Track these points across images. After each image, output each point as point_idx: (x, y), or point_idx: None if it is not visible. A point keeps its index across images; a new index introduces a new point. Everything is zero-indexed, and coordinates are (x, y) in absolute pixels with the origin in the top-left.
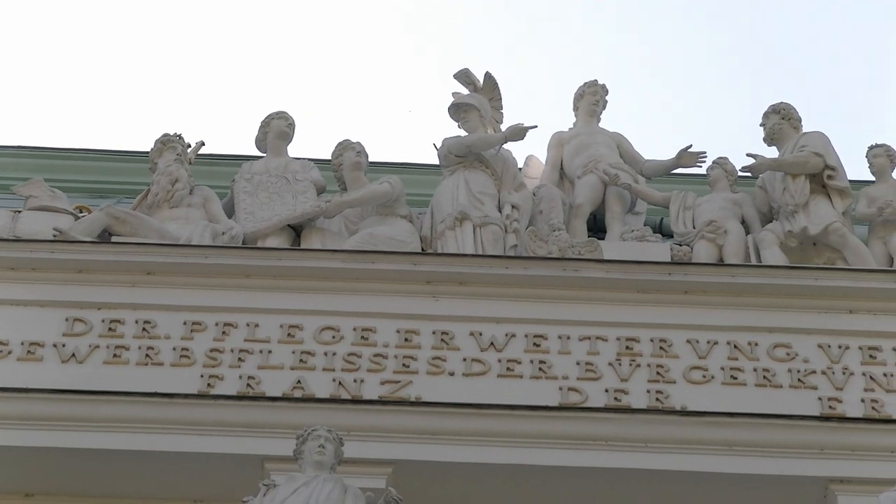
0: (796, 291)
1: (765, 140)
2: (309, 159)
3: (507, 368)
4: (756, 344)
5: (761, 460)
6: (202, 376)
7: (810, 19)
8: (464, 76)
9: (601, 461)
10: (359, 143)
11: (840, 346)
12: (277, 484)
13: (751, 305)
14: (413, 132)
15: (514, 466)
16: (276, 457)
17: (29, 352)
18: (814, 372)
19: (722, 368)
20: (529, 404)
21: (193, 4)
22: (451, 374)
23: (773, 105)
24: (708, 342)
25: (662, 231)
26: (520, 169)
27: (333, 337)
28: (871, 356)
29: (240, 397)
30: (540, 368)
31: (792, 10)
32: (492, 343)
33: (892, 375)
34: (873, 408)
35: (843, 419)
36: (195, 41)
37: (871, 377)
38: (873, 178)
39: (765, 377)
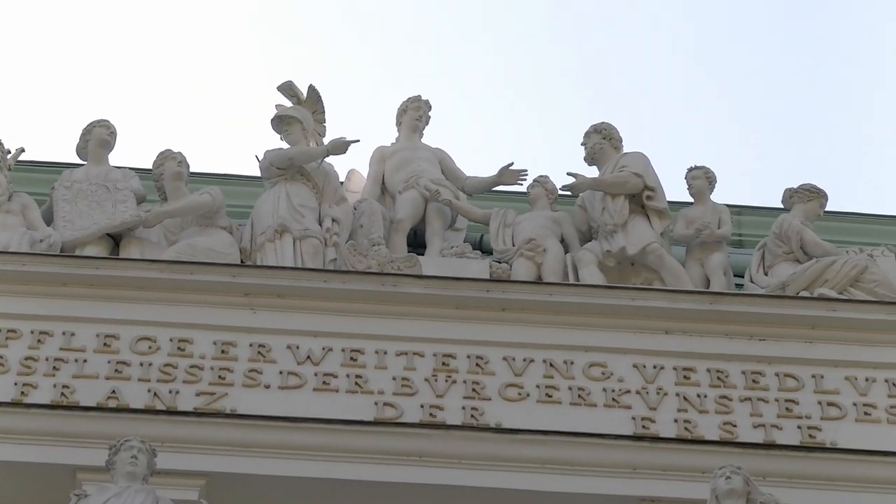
0: (613, 311)
1: (585, 159)
2: (130, 168)
3: (324, 382)
4: (572, 362)
5: (575, 479)
6: (16, 384)
7: (634, 41)
8: (287, 88)
9: (415, 477)
10: (180, 154)
11: (655, 367)
12: (89, 494)
13: (567, 324)
14: (235, 143)
15: (328, 480)
16: (89, 467)
17: None
18: (628, 391)
19: (538, 386)
20: (345, 418)
21: (15, 9)
22: (267, 386)
23: (595, 125)
24: (524, 360)
25: (482, 248)
26: (341, 183)
27: (150, 347)
28: (685, 377)
29: (53, 406)
30: (356, 383)
31: (617, 32)
32: (308, 356)
33: (705, 396)
34: (686, 428)
35: (656, 439)
36: (15, 45)
37: (684, 398)
38: (692, 200)
39: (580, 396)
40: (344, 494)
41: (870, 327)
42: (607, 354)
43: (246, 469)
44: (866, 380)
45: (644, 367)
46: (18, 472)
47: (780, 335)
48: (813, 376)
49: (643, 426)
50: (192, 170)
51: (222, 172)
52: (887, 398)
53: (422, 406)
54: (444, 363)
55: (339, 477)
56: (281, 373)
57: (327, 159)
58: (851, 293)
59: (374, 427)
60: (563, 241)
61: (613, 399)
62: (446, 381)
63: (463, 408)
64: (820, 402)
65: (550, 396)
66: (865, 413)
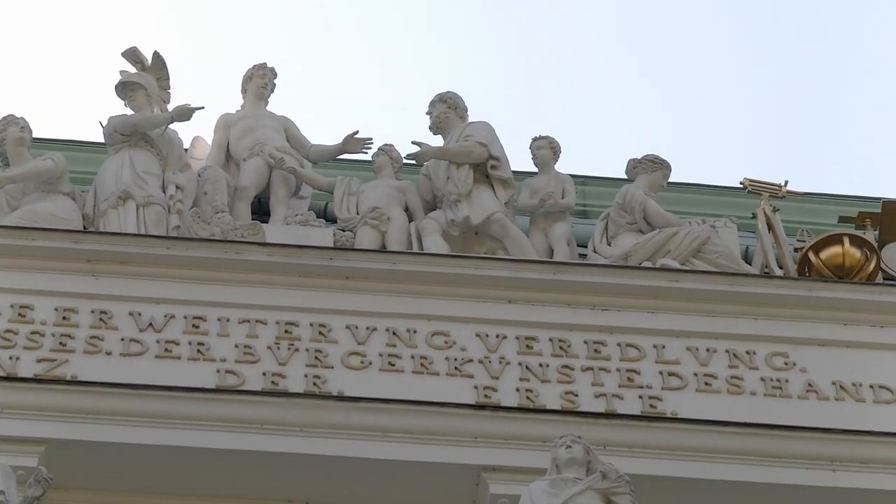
0: (456, 280)
1: (431, 128)
2: None
3: (166, 349)
4: (415, 331)
5: (416, 447)
6: None
7: (479, 9)
8: (132, 54)
9: (256, 444)
10: (23, 119)
11: (498, 336)
12: None
13: (411, 293)
14: (78, 109)
15: (170, 448)
16: None
17: None
18: (471, 360)
19: (380, 355)
20: (186, 386)
21: None
22: (109, 353)
23: (440, 94)
24: (367, 328)
25: (326, 216)
26: (186, 150)
27: None
28: (527, 346)
29: None
30: (198, 350)
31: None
32: (151, 323)
33: (547, 366)
34: (528, 397)
35: (498, 408)
36: None
37: (527, 367)
38: (536, 170)
39: (422, 364)
40: (185, 462)
41: (711, 298)
42: (450, 323)
43: (86, 436)
44: (707, 350)
45: (487, 336)
46: None
47: (622, 305)
48: (654, 346)
49: (485, 395)
50: (34, 135)
51: (65, 138)
52: (728, 368)
53: (264, 374)
54: (286, 331)
55: (180, 444)
56: (122, 339)
57: (172, 126)
58: (693, 264)
59: (216, 395)
60: (407, 209)
61: (456, 368)
62: (289, 349)
63: (305, 376)
64: (661, 372)
65: (393, 365)
66: (706, 383)
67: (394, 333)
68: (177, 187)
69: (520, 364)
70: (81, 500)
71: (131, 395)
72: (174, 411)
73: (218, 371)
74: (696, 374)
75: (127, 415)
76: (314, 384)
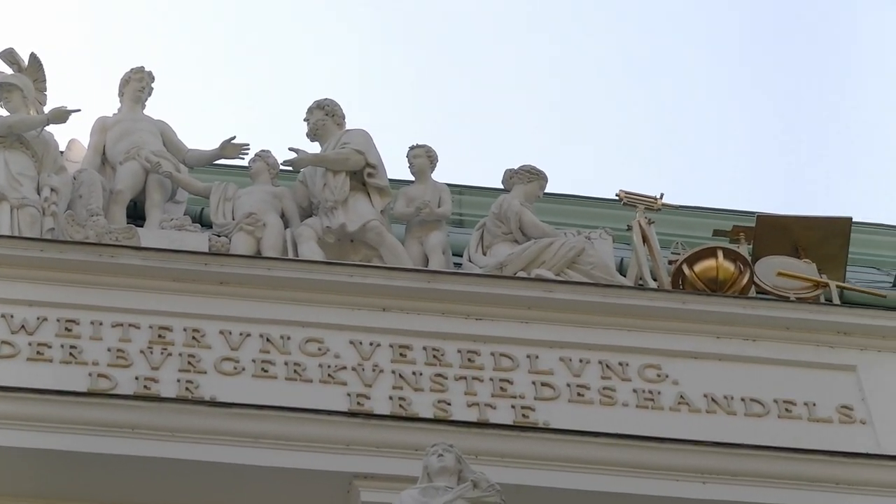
0: (331, 287)
1: (308, 135)
2: None
3: (38, 352)
4: (288, 338)
5: (288, 454)
6: None
7: (358, 17)
8: (8, 55)
9: (127, 449)
10: None
11: (371, 344)
12: None
13: (285, 299)
14: None
15: (40, 451)
16: None
17: None
18: (344, 368)
19: (253, 361)
20: (58, 389)
21: None
22: None
23: (318, 101)
24: (241, 334)
25: (202, 221)
26: (61, 152)
27: None
28: (401, 354)
29: None
30: (70, 353)
31: (341, 8)
32: (23, 326)
33: (420, 374)
34: (401, 405)
35: (370, 416)
36: None
37: (400, 375)
38: (413, 179)
39: (296, 371)
40: (55, 466)
41: (585, 309)
42: (324, 330)
43: None
44: (580, 361)
45: (360, 343)
46: None
47: (496, 315)
48: (528, 356)
49: (358, 402)
50: None
51: None
52: (600, 379)
53: (136, 378)
54: (160, 335)
55: (51, 448)
56: None
57: (48, 128)
58: (568, 275)
59: (88, 398)
60: (283, 216)
61: (329, 375)
62: (162, 353)
63: (178, 381)
64: (534, 382)
65: (266, 371)
66: (578, 394)
67: (267, 340)
68: (52, 189)
69: (393, 372)
70: None
71: (2, 398)
72: (45, 414)
73: (90, 374)
74: (568, 385)
75: None
76: (187, 389)
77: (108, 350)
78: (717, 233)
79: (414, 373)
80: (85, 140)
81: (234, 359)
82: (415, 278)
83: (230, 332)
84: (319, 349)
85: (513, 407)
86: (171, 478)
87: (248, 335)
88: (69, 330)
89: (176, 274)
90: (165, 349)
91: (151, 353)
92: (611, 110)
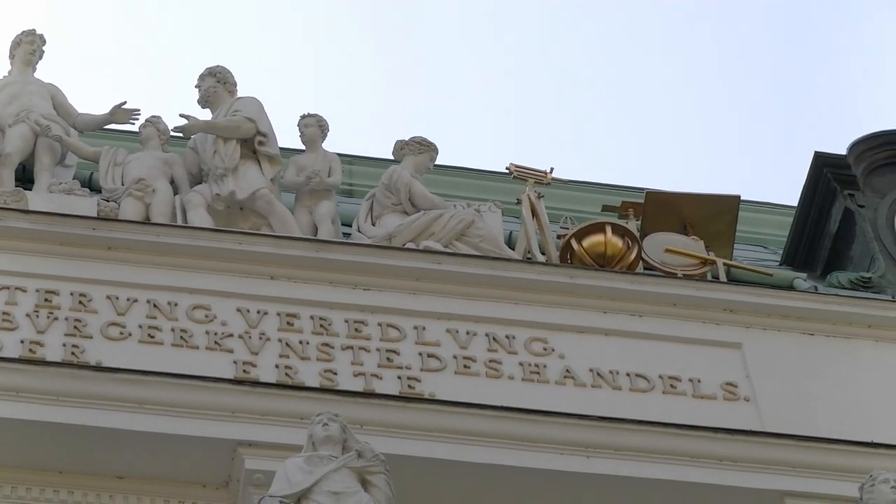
0: (219, 254)
1: (199, 102)
2: None
3: None
4: (176, 304)
5: (173, 420)
6: None
7: None
8: None
9: (13, 412)
10: None
11: (259, 312)
12: None
13: (173, 265)
14: None
15: None
16: None
17: None
18: (231, 335)
19: (140, 326)
20: None
21: None
22: None
23: (210, 68)
24: (128, 299)
25: (91, 186)
26: None
27: None
28: (288, 323)
29: None
30: None
31: None
32: None
33: (307, 343)
34: (287, 374)
35: (256, 383)
36: None
37: (287, 344)
38: (303, 148)
39: (182, 337)
40: None
41: (473, 281)
42: (211, 297)
43: None
44: (467, 333)
45: (248, 311)
46: None
47: (384, 285)
48: (415, 328)
49: (244, 370)
50: None
51: None
52: (487, 352)
53: (22, 342)
54: (46, 299)
55: None
56: None
57: None
58: (456, 247)
59: None
60: (173, 182)
61: (216, 342)
62: (48, 317)
63: (64, 345)
64: (421, 354)
65: (153, 337)
66: (465, 366)
67: (154, 305)
68: None
69: (280, 340)
70: None
71: None
72: None
73: None
74: (455, 357)
75: None
76: (72, 353)
77: None
78: (606, 208)
79: (301, 342)
80: None
81: (120, 324)
82: (303, 247)
83: (117, 298)
84: (206, 316)
85: (399, 378)
86: (55, 442)
87: (135, 301)
88: None
89: (63, 238)
90: (52, 313)
91: (37, 316)
92: (503, 84)
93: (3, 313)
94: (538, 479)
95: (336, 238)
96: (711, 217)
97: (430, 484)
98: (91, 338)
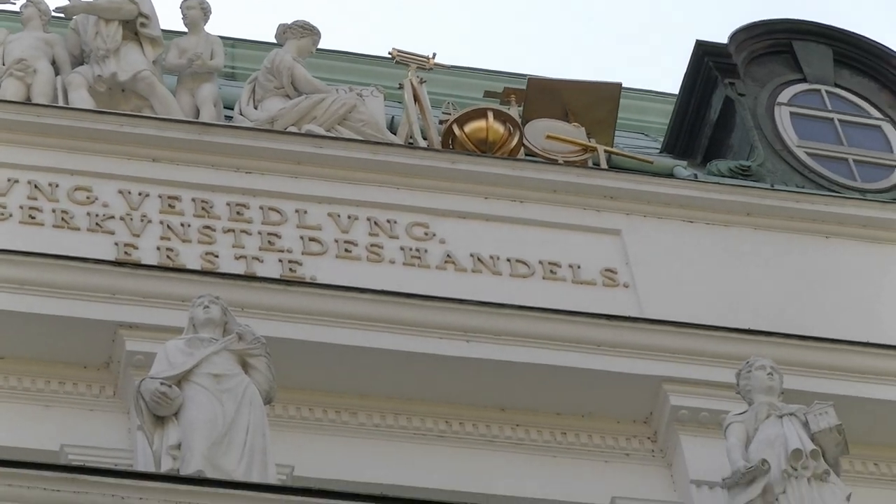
0: (100, 136)
1: None
2: None
3: None
4: (57, 185)
5: (53, 301)
6: None
7: None
8: None
9: None
10: None
11: (140, 194)
12: None
13: (54, 147)
14: None
15: None
16: None
17: None
18: (112, 217)
19: (21, 207)
20: None
21: None
22: None
23: None
24: (9, 180)
25: None
26: None
27: None
28: (170, 205)
29: None
30: None
31: None
32: None
33: (189, 226)
34: (168, 256)
35: (137, 265)
36: None
37: (168, 226)
38: (186, 30)
39: (63, 219)
40: None
41: (354, 166)
42: (93, 179)
43: None
44: (348, 217)
45: (129, 193)
46: None
47: (265, 169)
48: (296, 211)
49: (126, 252)
50: None
51: None
52: (368, 236)
53: None
54: None
55: None
56: None
57: None
58: (338, 131)
59: None
60: (54, 63)
61: (97, 224)
62: None
63: None
64: (302, 237)
65: (34, 218)
66: (346, 250)
67: (35, 186)
68: None
69: (161, 223)
70: None
71: None
72: None
73: None
74: (336, 241)
75: None
76: None
77: None
78: (487, 94)
79: (182, 224)
80: None
81: (1, 205)
82: (185, 130)
83: None
84: (88, 198)
85: (280, 261)
86: None
87: (16, 181)
88: None
89: None
90: None
91: None
92: None
93: None
94: (418, 363)
95: (218, 121)
96: (593, 104)
97: (309, 367)
98: None
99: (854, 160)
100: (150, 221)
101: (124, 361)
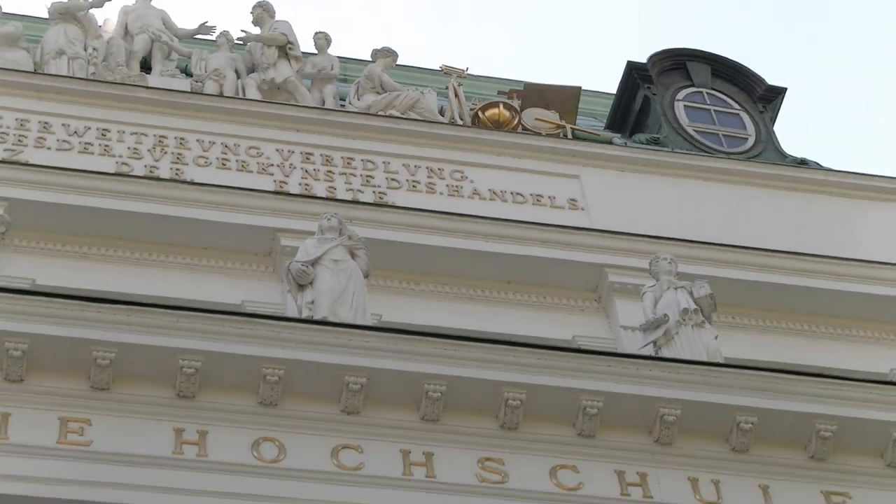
0: (267, 116)
1: (252, 22)
2: None
3: None
4: (237, 145)
5: (240, 215)
6: None
7: None
8: None
9: None
10: None
11: (289, 151)
12: None
13: (239, 122)
14: None
15: None
16: None
17: None
18: (272, 164)
19: (217, 158)
20: None
21: None
22: None
23: (259, 1)
24: (210, 143)
25: (187, 73)
26: (100, 26)
27: None
28: (306, 158)
29: None
30: None
31: None
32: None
33: (318, 171)
34: (305, 188)
35: (288, 194)
36: None
37: (305, 170)
38: (316, 52)
39: (252, 168)
40: None
41: (418, 135)
42: (262, 143)
43: None
44: (415, 166)
45: (283, 151)
46: None
47: (365, 136)
48: (383, 161)
49: (280, 186)
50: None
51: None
52: (426, 178)
53: None
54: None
55: None
56: None
57: (91, 10)
58: (409, 115)
59: None
60: (237, 71)
61: (263, 168)
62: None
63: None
64: (386, 178)
65: (225, 166)
66: (413, 186)
67: (225, 146)
68: (94, 49)
69: (301, 168)
70: None
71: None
72: None
73: None
74: (407, 180)
75: None
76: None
77: None
78: (500, 93)
79: (314, 170)
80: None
81: (205, 156)
82: (316, 113)
83: (212, 143)
84: (259, 152)
85: (374, 192)
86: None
87: (213, 144)
88: None
89: (171, 105)
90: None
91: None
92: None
93: None
94: (457, 255)
95: (336, 108)
96: (564, 99)
97: (390, 257)
98: (188, 164)
99: (723, 135)
100: (294, 167)
101: (279, 251)
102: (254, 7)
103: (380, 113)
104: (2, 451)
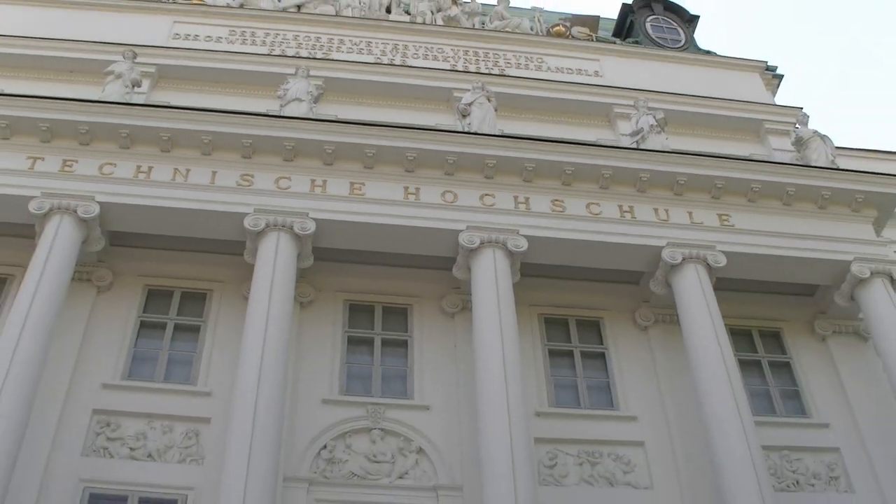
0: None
1: None
2: None
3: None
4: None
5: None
6: None
7: None
8: None
9: None
10: None
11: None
12: None
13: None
14: None
15: None
16: None
17: None
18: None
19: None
20: None
21: None
22: None
23: None
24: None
25: None
26: None
27: None
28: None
29: None
30: None
31: None
32: None
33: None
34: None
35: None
36: None
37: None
38: None
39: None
40: None
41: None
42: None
43: None
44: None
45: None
46: None
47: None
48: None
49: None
50: None
51: None
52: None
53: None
54: None
55: None
56: None
57: None
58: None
59: None
60: None
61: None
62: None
63: None
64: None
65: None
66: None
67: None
68: None
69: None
70: None
71: None
72: None
73: None
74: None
75: None
76: None
77: None
78: (560, 20)
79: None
80: None
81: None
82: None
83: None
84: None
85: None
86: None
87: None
88: None
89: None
90: None
91: None
92: None
93: None
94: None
95: (484, 28)
96: (590, 22)
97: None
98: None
99: (669, 39)
100: (467, 58)
101: (454, 99)
102: None
103: (506, 30)
104: None
